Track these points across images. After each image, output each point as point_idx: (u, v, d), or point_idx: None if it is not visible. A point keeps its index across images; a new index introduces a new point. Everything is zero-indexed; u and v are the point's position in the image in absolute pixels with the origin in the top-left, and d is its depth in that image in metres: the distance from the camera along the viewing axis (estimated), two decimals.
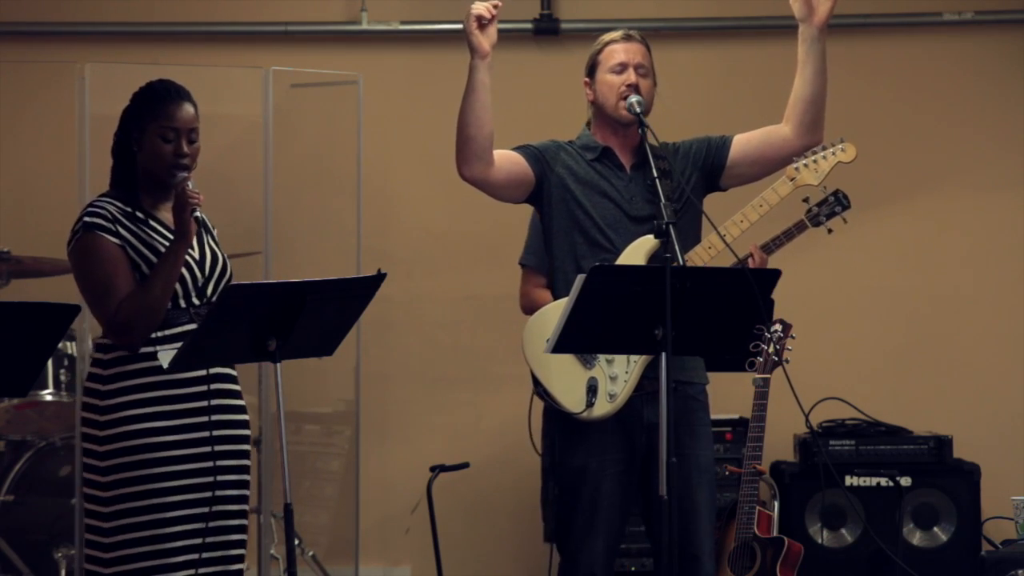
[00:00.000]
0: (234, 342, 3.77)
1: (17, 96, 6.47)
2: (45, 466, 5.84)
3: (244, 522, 4.02)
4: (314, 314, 3.74)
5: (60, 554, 5.65)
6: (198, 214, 3.91)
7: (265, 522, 5.76)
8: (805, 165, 4.52)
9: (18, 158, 6.46)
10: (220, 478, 3.92)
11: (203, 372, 3.91)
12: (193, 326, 3.86)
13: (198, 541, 3.88)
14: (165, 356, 3.85)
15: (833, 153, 4.55)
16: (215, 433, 3.92)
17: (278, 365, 3.77)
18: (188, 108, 3.97)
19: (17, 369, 3.48)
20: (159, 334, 3.89)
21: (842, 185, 4.92)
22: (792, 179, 4.49)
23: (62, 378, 5.86)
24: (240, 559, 4.00)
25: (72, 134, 5.57)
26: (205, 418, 3.92)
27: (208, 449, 3.91)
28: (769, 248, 4.88)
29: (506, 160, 4.31)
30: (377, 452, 6.44)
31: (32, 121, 6.48)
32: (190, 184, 3.89)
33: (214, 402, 3.94)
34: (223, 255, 4.06)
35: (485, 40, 4.15)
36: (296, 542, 4.60)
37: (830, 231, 4.96)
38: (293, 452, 6.32)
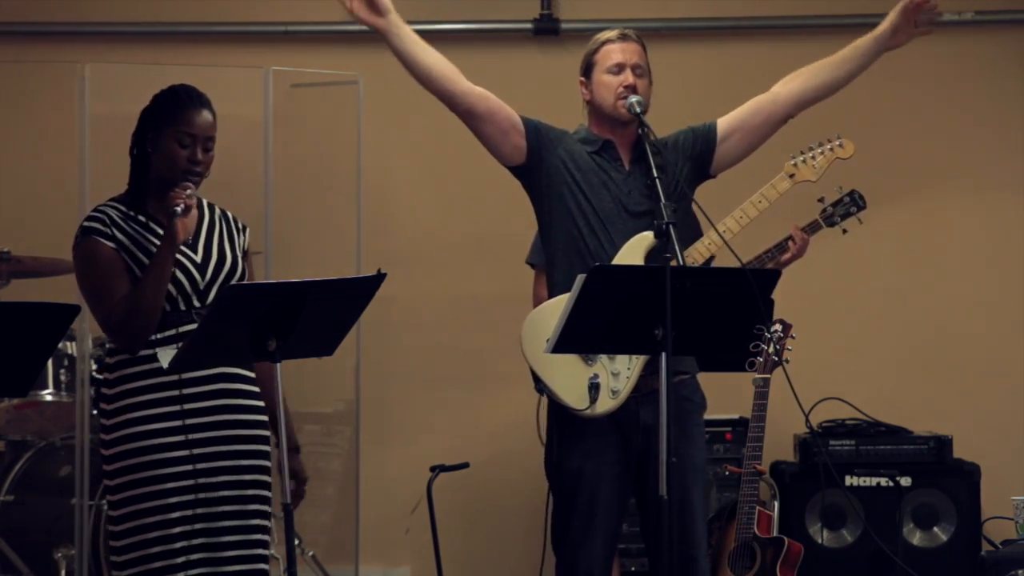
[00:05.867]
0: (234, 342, 3.77)
1: (17, 96, 6.48)
2: (45, 466, 5.83)
3: (264, 522, 4.01)
4: (314, 314, 3.73)
5: (60, 554, 5.64)
6: (178, 210, 3.82)
7: None
8: (803, 161, 4.51)
9: (18, 158, 6.46)
10: (227, 478, 3.93)
11: (204, 373, 3.92)
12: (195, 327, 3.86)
13: (202, 540, 3.89)
14: (165, 356, 3.86)
15: (831, 149, 4.55)
16: (224, 433, 3.93)
17: (278, 365, 3.77)
18: (207, 116, 3.98)
19: (17, 369, 3.47)
20: (160, 335, 3.89)
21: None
22: (791, 175, 4.48)
23: (62, 378, 5.86)
24: (264, 559, 4.00)
25: (72, 134, 5.57)
26: (208, 418, 3.92)
27: (212, 450, 3.92)
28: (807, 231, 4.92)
29: (494, 99, 4.31)
30: (377, 452, 6.44)
31: (32, 121, 6.48)
32: (187, 192, 3.87)
33: (224, 402, 3.94)
34: (235, 257, 4.05)
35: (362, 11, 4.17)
36: (296, 542, 4.60)
37: (844, 231, 4.97)
38: None
